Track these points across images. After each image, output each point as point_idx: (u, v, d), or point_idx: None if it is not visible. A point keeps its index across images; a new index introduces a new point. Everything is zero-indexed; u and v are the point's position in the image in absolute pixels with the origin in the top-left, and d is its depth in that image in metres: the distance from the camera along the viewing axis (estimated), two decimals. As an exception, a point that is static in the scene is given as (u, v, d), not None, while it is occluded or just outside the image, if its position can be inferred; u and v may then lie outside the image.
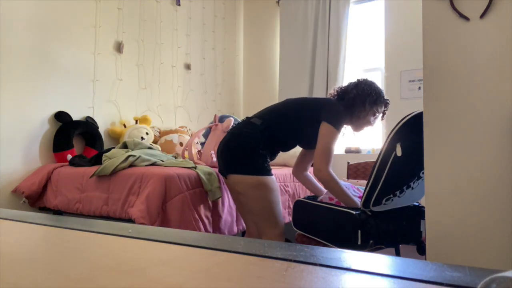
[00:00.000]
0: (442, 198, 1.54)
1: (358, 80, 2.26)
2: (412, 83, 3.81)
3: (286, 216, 2.94)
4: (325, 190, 2.25)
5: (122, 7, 3.58)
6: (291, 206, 2.91)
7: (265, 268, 0.43)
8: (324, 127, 2.07)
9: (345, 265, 0.44)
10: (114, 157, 2.56)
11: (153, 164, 2.54)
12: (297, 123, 2.15)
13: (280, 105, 2.25)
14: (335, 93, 2.30)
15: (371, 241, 2.00)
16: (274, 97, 4.58)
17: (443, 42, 1.56)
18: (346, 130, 2.36)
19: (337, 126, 2.09)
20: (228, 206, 2.55)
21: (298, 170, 2.41)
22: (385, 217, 2.09)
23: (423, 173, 1.93)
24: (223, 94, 4.62)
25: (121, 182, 2.39)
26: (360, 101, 2.17)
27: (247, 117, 2.24)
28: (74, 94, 3.20)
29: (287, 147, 2.25)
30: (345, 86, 2.30)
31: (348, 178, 3.61)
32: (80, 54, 3.25)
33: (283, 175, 3.03)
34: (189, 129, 3.85)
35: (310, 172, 2.44)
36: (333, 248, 0.52)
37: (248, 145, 2.06)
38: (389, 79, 3.95)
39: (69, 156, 2.94)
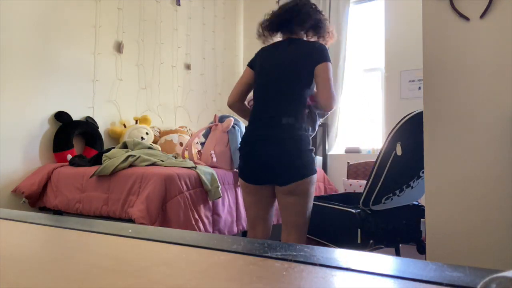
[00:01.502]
0: (442, 197, 1.54)
1: (300, 2, 1.99)
2: (412, 83, 3.82)
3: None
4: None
5: (122, 7, 3.58)
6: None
7: (265, 268, 0.43)
8: (323, 67, 1.86)
9: (345, 265, 0.44)
10: (114, 157, 2.56)
11: (153, 164, 2.54)
12: (306, 91, 1.92)
13: (276, 90, 1.93)
14: (304, 32, 2.01)
15: (371, 241, 2.00)
16: (274, 97, 4.58)
17: (443, 42, 1.56)
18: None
19: (329, 58, 1.92)
20: (228, 206, 2.55)
21: (241, 100, 2.07)
22: (385, 216, 2.09)
23: (423, 172, 1.93)
24: (223, 94, 4.62)
25: (121, 182, 2.39)
26: (320, 19, 1.99)
27: (272, 117, 1.88)
28: (74, 94, 3.20)
29: (316, 115, 2.05)
30: (303, 20, 1.97)
31: (348, 178, 3.61)
32: (80, 54, 3.25)
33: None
34: (189, 129, 3.84)
35: None
36: (333, 248, 0.52)
37: (305, 147, 1.86)
38: (389, 79, 3.95)
39: (69, 156, 2.95)
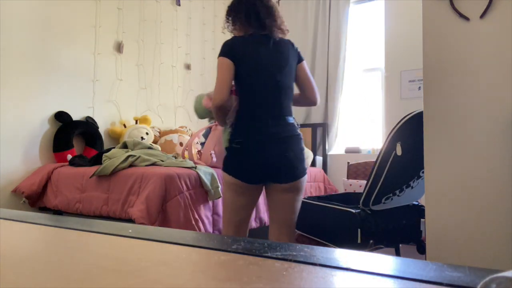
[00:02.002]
0: (442, 197, 1.54)
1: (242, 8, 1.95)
2: (412, 83, 3.82)
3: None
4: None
5: (122, 7, 3.58)
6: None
7: (265, 268, 0.43)
8: (304, 65, 2.00)
9: (345, 265, 0.44)
10: (114, 157, 2.56)
11: (153, 164, 2.54)
12: (292, 84, 1.99)
13: (275, 89, 1.89)
14: (277, 31, 1.97)
15: (371, 241, 2.00)
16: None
17: (443, 42, 1.56)
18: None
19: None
20: (228, 206, 2.55)
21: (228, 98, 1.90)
22: (385, 216, 2.09)
23: (423, 172, 1.93)
24: (223, 94, 4.62)
25: (121, 182, 2.39)
26: (274, 10, 1.99)
27: (277, 115, 1.88)
28: (74, 94, 3.20)
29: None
30: (273, 16, 1.97)
31: (348, 178, 3.61)
32: (80, 54, 3.25)
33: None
34: (189, 129, 3.84)
35: None
36: (333, 248, 0.52)
37: (303, 146, 1.94)
38: (389, 79, 3.95)
39: (69, 156, 2.95)
